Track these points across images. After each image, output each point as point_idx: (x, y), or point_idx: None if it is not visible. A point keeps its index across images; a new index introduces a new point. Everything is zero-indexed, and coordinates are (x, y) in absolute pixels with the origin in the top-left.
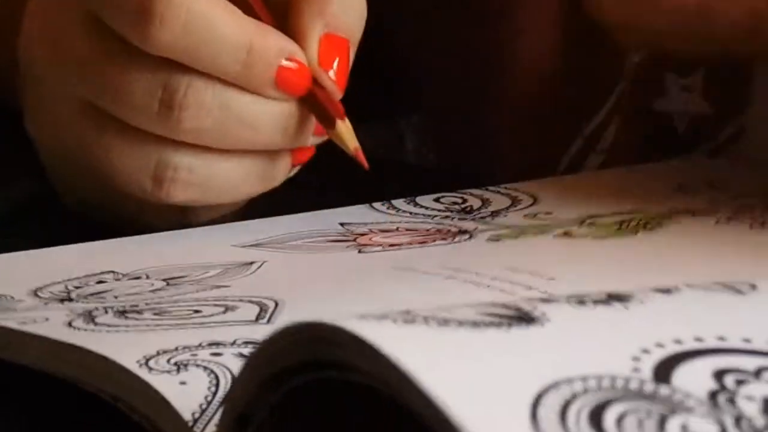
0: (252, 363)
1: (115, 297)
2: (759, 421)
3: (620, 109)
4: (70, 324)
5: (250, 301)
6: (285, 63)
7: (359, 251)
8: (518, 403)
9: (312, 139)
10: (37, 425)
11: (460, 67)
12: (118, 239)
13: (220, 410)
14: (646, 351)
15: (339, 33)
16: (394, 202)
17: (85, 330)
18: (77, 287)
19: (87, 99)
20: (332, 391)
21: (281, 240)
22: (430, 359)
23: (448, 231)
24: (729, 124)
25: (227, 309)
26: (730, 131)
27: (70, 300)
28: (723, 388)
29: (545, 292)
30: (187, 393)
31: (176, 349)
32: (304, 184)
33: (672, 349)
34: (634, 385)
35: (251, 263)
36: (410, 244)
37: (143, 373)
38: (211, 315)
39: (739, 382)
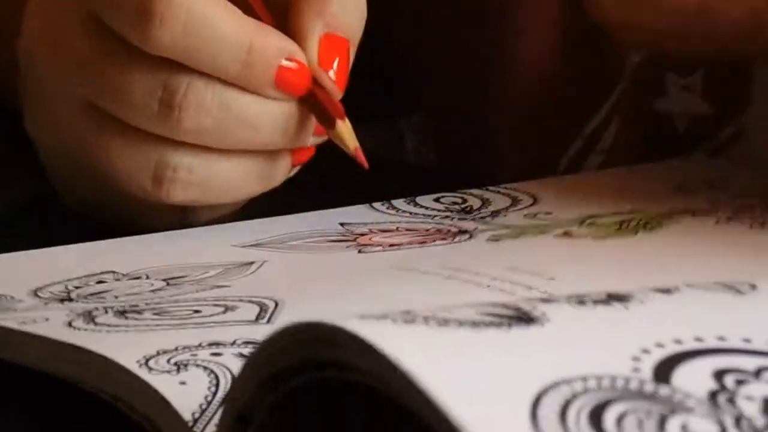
0: (252, 363)
1: (115, 297)
2: (759, 421)
3: (620, 109)
4: (70, 324)
5: (250, 301)
6: (285, 63)
7: (359, 251)
8: (518, 403)
9: (312, 139)
10: (37, 425)
11: (460, 67)
12: (118, 239)
13: (220, 410)
14: (646, 351)
15: (339, 33)
16: (394, 202)
17: (85, 330)
18: (77, 287)
19: (87, 99)
20: (332, 391)
21: (281, 240)
22: (430, 359)
23: (448, 231)
24: (729, 124)
25: (227, 309)
26: (731, 131)
27: (70, 300)
28: (723, 388)
29: (545, 292)
30: (187, 393)
31: (176, 349)
32: (304, 184)
33: (672, 349)
34: (634, 385)
35: (251, 263)
36: (410, 244)
37: (143, 373)
38: (211, 315)
39: (739, 382)
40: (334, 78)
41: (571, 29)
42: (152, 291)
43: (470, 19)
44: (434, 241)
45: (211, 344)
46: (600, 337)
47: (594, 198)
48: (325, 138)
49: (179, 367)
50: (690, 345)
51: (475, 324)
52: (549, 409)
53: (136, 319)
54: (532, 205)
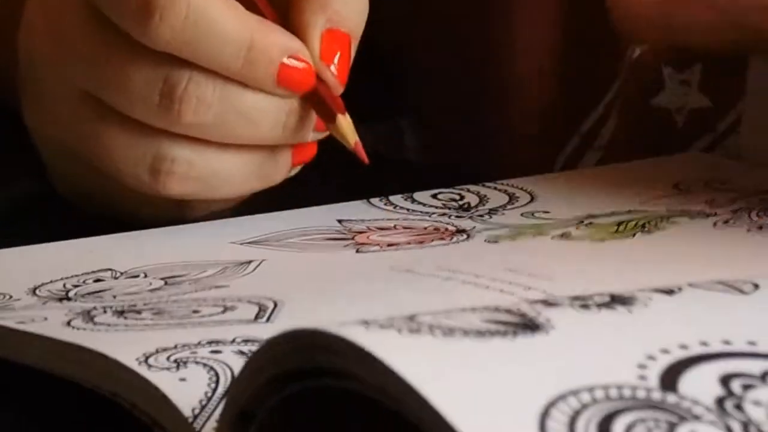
0: (254, 364)
1: (114, 297)
2: (767, 426)
3: (618, 106)
4: (69, 323)
5: (249, 302)
6: (288, 61)
7: (357, 251)
8: (526, 414)
9: (312, 134)
10: (36, 424)
11: (458, 65)
12: (115, 235)
13: (221, 406)
14: (651, 357)
15: (341, 28)
16: (392, 198)
17: (84, 329)
18: (75, 286)
19: (87, 90)
20: (331, 397)
21: (279, 237)
22: (435, 369)
23: (446, 230)
24: (727, 115)
25: (226, 309)
26: (728, 122)
27: (69, 299)
28: (730, 393)
29: (544, 292)
30: (187, 389)
31: (176, 347)
32: (303, 180)
33: (678, 354)
34: (641, 394)
35: (249, 262)
36: (408, 244)
37: (143, 371)
38: (210, 315)
39: (746, 387)
40: (335, 73)
41: (569, 26)
42: (151, 290)
43: (468, 18)
44: (432, 241)
45: (210, 342)
46: (605, 344)
47: (592, 196)
48: (325, 133)
49: (179, 364)
50: (695, 350)
51: (480, 333)
52: (557, 420)
53: (135, 318)
54: (529, 203)
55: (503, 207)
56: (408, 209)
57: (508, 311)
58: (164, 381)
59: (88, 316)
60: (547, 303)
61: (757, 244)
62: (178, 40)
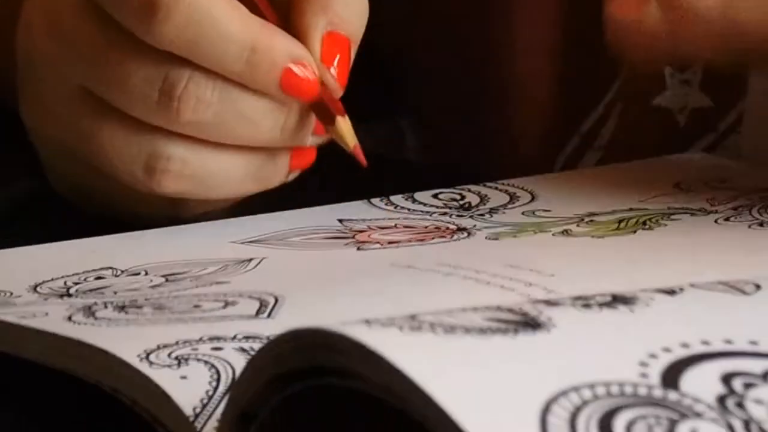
0: (256, 363)
1: (114, 293)
2: None
3: (618, 106)
4: (69, 318)
5: (250, 297)
6: (294, 68)
7: (358, 248)
8: (527, 410)
9: (311, 139)
10: (37, 423)
11: (458, 66)
12: (116, 235)
13: (222, 405)
14: (653, 356)
15: (341, 31)
16: (393, 198)
17: (85, 324)
18: (76, 283)
19: (86, 87)
20: (333, 396)
21: (279, 237)
22: (437, 367)
23: (447, 229)
24: (728, 115)
25: (227, 304)
26: (729, 121)
27: (69, 296)
28: (731, 391)
29: (545, 288)
30: (188, 387)
31: (177, 343)
32: (303, 181)
33: (679, 353)
34: (642, 391)
35: (250, 260)
36: (409, 241)
37: (144, 368)
38: (211, 310)
39: (747, 386)
40: (335, 75)
41: (569, 26)
42: (151, 287)
43: (469, 18)
44: (433, 239)
45: (211, 338)
46: (606, 343)
47: (592, 195)
48: (324, 139)
49: (180, 361)
50: (697, 349)
51: (481, 331)
52: (558, 416)
53: (135, 313)
54: (530, 202)
55: (504, 206)
56: (409, 209)
57: (510, 310)
58: (165, 379)
59: (89, 311)
60: (549, 302)
61: (759, 239)
62: (182, 39)
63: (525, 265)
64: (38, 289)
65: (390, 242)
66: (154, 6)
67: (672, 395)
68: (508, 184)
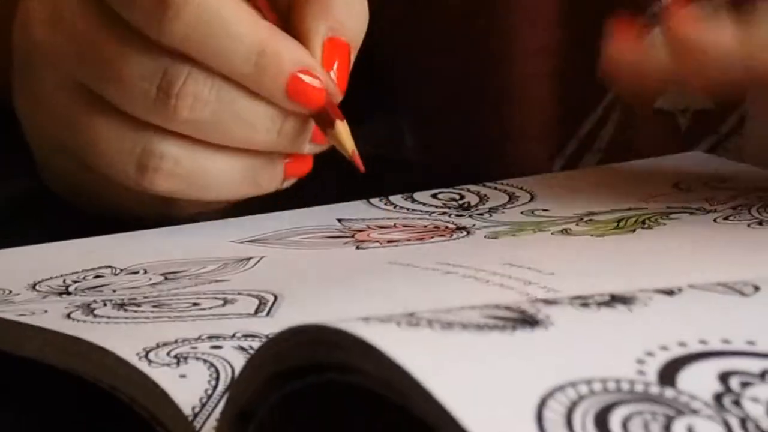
0: (256, 361)
1: (114, 291)
2: (765, 422)
3: (618, 108)
4: (68, 316)
5: (249, 295)
6: (302, 76)
7: (357, 247)
8: (523, 405)
9: (309, 146)
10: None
11: (458, 68)
12: (115, 235)
13: (221, 404)
14: (650, 354)
15: (342, 37)
16: (392, 198)
17: (84, 322)
18: (75, 281)
19: (81, 81)
20: (332, 393)
21: (278, 236)
22: (435, 362)
23: (446, 228)
24: (730, 117)
25: (226, 302)
26: (731, 124)
27: (69, 294)
28: (728, 390)
29: (545, 287)
30: (187, 386)
31: (176, 341)
32: (302, 180)
33: (676, 351)
34: (639, 388)
35: (249, 258)
36: (408, 240)
37: (143, 366)
38: (210, 308)
39: (744, 384)
40: (334, 80)
41: (568, 28)
42: (151, 285)
43: (469, 19)
44: (432, 238)
45: (210, 337)
46: (604, 340)
47: (592, 195)
48: (322, 148)
49: (179, 360)
50: (694, 347)
51: (479, 327)
52: (554, 411)
53: (135, 311)
54: (529, 201)
55: (503, 206)
56: (408, 209)
57: (508, 308)
58: (164, 377)
59: (88, 308)
60: (547, 301)
61: (758, 237)
62: (191, 38)
63: (524, 263)
64: (37, 287)
65: (389, 241)
66: (165, 3)
67: (669, 392)
68: (507, 184)
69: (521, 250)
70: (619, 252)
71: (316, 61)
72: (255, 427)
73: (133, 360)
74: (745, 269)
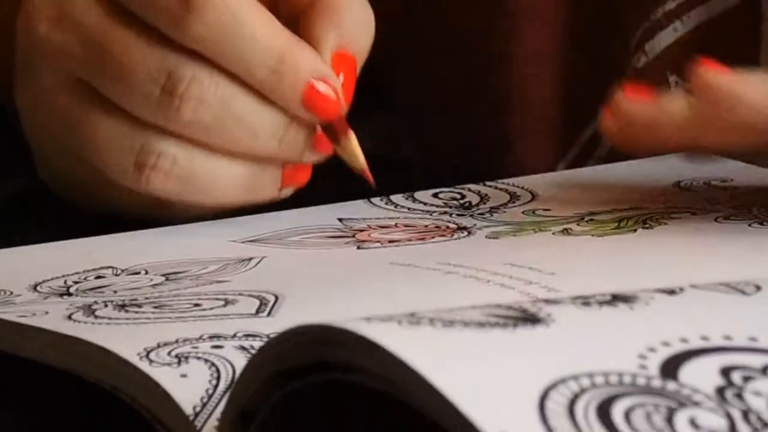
0: (258, 360)
1: (115, 292)
2: (767, 415)
3: None
4: (69, 317)
5: (250, 295)
6: (318, 85)
7: (358, 247)
8: (526, 397)
9: (308, 155)
10: (37, 424)
11: (459, 70)
12: (116, 235)
13: (222, 404)
14: (652, 349)
15: (349, 51)
16: (393, 197)
17: (85, 323)
18: (76, 282)
19: (84, 78)
20: (334, 392)
21: (279, 236)
22: (437, 360)
23: (447, 228)
24: None
25: (227, 302)
26: None
27: (69, 294)
28: (730, 383)
29: (545, 286)
30: (188, 386)
31: (177, 341)
32: None
33: (678, 347)
34: (641, 381)
35: (250, 259)
36: (409, 240)
37: (144, 366)
38: (211, 308)
39: (746, 379)
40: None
41: (570, 34)
42: (152, 286)
43: (470, 22)
44: (433, 237)
45: (211, 337)
46: (605, 337)
47: (593, 194)
48: (322, 157)
49: (180, 359)
50: (696, 344)
51: (480, 324)
52: (557, 402)
53: (136, 312)
54: (530, 201)
55: (504, 205)
56: (409, 208)
57: (509, 307)
58: (165, 377)
59: (89, 309)
60: (549, 301)
61: (759, 238)
62: (210, 39)
63: (525, 263)
64: (38, 288)
65: (390, 241)
66: (188, 3)
67: (671, 385)
68: (508, 184)
69: (522, 250)
70: (620, 252)
71: (333, 72)
72: (256, 427)
73: (134, 360)
74: (747, 269)
